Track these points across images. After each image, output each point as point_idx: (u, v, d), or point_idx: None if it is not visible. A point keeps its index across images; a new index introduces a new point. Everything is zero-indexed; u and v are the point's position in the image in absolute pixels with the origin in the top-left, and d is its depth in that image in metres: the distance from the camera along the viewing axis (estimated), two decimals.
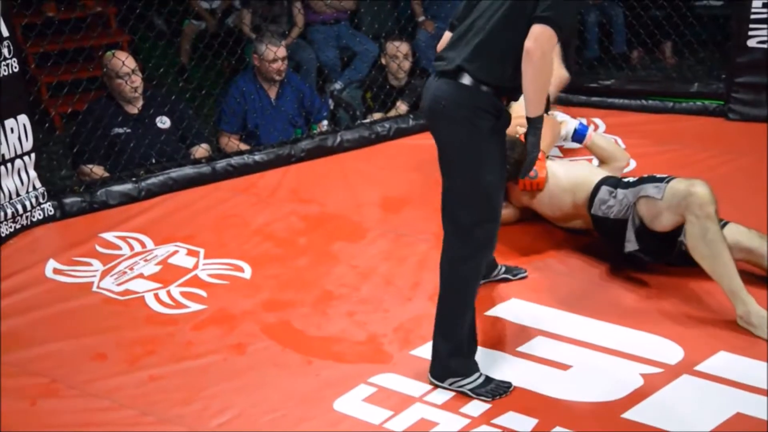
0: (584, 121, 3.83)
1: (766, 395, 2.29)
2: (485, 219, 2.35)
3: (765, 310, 2.56)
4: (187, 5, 5.30)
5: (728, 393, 2.32)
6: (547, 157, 3.32)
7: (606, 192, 2.96)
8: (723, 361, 2.45)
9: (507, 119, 2.37)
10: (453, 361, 2.40)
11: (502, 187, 2.41)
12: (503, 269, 3.02)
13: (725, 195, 2.74)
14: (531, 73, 2.22)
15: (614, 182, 2.99)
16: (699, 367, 2.43)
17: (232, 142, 4.41)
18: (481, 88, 2.28)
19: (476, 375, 2.40)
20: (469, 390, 2.38)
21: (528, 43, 2.20)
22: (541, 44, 2.19)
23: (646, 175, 2.94)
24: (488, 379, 2.41)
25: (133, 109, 4.11)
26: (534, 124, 2.30)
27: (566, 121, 3.33)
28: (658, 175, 2.86)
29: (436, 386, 2.42)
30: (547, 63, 2.24)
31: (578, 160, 3.38)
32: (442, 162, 2.39)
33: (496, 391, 2.38)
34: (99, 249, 3.41)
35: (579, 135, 3.29)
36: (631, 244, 2.84)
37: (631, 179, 2.95)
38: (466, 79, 2.29)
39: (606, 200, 2.94)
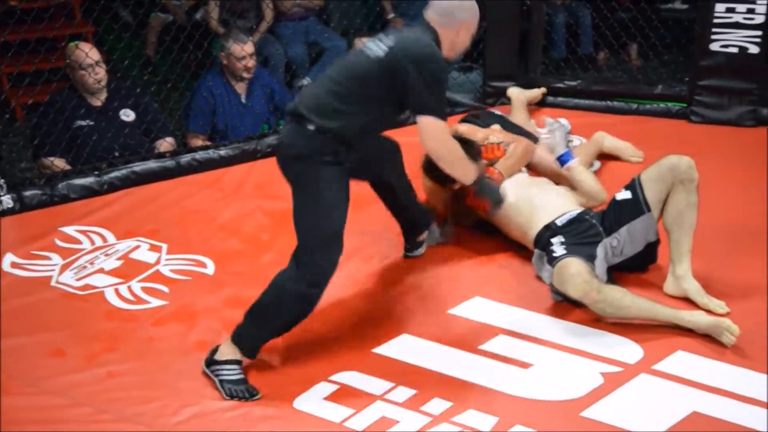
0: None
1: (721, 395, 2.33)
2: (321, 244, 2.55)
3: (703, 316, 2.60)
4: None
5: (685, 392, 2.35)
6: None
7: (537, 267, 2.95)
8: (680, 361, 2.49)
9: (348, 158, 2.55)
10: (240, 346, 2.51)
11: (339, 211, 2.57)
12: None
13: None
14: (444, 164, 2.59)
15: (540, 249, 2.93)
16: (657, 366, 2.46)
17: (198, 141, 4.37)
18: (324, 135, 2.49)
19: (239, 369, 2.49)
20: (222, 380, 2.46)
21: (426, 144, 2.52)
22: (436, 138, 2.50)
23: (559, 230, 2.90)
24: (244, 380, 2.48)
25: (97, 102, 4.06)
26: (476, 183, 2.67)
27: (555, 147, 3.27)
28: (556, 253, 2.78)
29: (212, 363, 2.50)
30: (449, 147, 2.55)
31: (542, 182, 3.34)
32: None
33: (241, 393, 2.44)
34: (59, 243, 3.36)
35: (559, 162, 3.27)
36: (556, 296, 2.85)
37: (556, 245, 2.84)
38: (311, 126, 2.49)
39: (540, 270, 2.94)
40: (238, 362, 2.49)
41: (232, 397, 2.43)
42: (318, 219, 2.56)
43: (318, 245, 2.56)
